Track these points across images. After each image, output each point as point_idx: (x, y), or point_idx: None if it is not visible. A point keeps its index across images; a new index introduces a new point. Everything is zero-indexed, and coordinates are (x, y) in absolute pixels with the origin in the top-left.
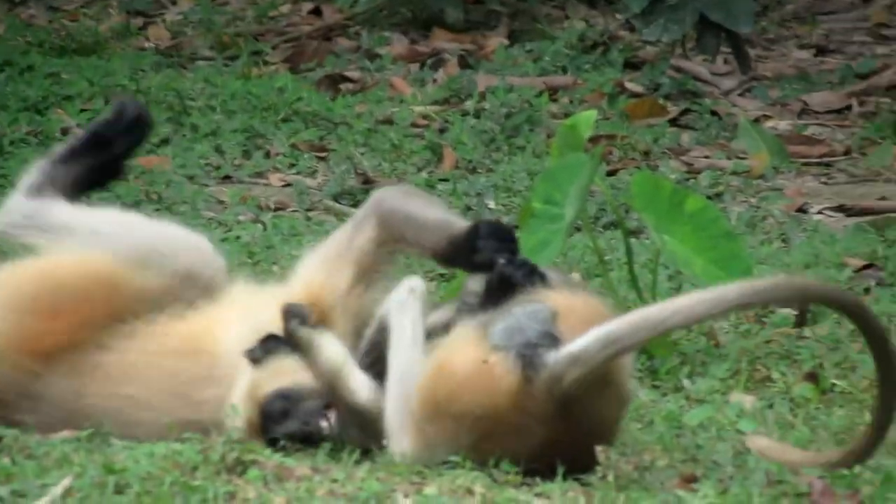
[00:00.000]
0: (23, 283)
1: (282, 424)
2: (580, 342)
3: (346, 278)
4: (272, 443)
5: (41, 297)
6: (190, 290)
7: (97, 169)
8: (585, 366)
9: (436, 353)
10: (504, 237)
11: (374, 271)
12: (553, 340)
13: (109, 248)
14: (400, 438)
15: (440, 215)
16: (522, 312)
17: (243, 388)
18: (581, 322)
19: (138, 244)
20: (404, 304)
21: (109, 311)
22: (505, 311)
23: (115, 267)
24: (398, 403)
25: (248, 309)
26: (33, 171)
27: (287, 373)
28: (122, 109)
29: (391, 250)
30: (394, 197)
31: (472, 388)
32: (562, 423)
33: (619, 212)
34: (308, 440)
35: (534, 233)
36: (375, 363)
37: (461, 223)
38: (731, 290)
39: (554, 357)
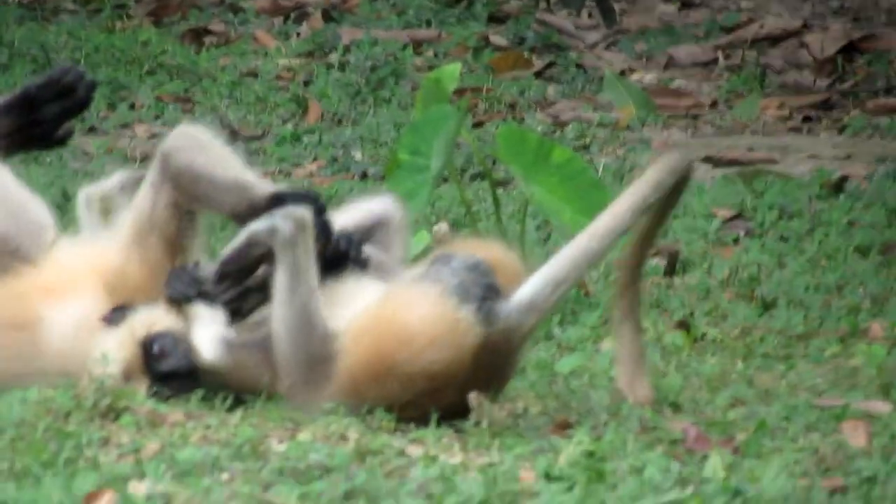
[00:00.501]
0: None
1: (165, 361)
2: (529, 289)
3: (158, 246)
4: (157, 378)
5: None
6: (6, 255)
7: (25, 130)
8: (540, 311)
9: (373, 311)
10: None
11: (182, 236)
12: (497, 292)
13: None
14: (309, 393)
15: (235, 175)
16: (463, 267)
17: (120, 334)
18: (502, 270)
19: None
20: (294, 239)
21: None
22: (440, 267)
23: None
24: (302, 354)
25: (70, 281)
26: None
27: (160, 320)
28: (57, 75)
29: (192, 210)
30: (183, 153)
31: (434, 346)
32: (494, 372)
33: (486, 163)
34: (191, 375)
35: (400, 184)
36: (236, 284)
37: (261, 187)
38: (636, 190)
39: (507, 308)
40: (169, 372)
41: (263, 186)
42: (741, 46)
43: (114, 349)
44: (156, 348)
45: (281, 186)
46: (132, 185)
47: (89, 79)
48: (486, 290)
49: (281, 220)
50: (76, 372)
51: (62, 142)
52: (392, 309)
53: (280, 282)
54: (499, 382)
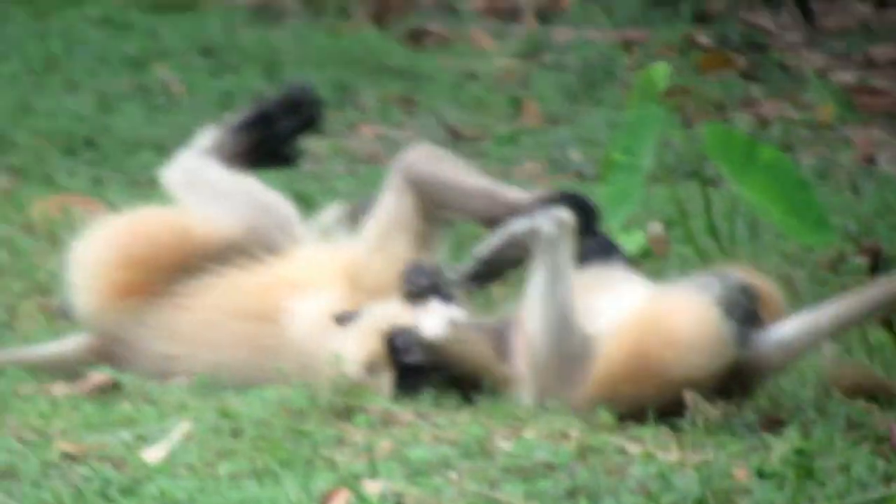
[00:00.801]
0: (111, 235)
1: (409, 355)
2: (788, 330)
3: (402, 246)
4: (403, 372)
5: (122, 248)
6: (256, 245)
7: (260, 147)
8: (791, 354)
9: (638, 312)
10: (584, 209)
11: (427, 234)
12: (758, 321)
13: (191, 201)
14: (563, 390)
15: (480, 181)
16: (735, 286)
17: (362, 328)
18: (767, 304)
19: (213, 197)
20: (555, 240)
21: (178, 259)
22: (713, 280)
23: (188, 218)
24: (559, 352)
25: (314, 276)
26: (206, 134)
27: (400, 315)
28: (289, 92)
29: (437, 215)
30: (424, 163)
31: (695, 352)
32: (729, 391)
33: (696, 162)
34: (431, 369)
35: (614, 184)
36: (488, 282)
37: (513, 191)
38: None
39: (763, 339)
40: (414, 366)
41: (515, 191)
42: None
43: (357, 343)
44: (399, 342)
45: (540, 191)
46: (350, 217)
47: (315, 94)
48: (749, 315)
49: (544, 221)
50: (314, 366)
51: (294, 161)
52: (659, 311)
53: (538, 281)
54: (728, 398)
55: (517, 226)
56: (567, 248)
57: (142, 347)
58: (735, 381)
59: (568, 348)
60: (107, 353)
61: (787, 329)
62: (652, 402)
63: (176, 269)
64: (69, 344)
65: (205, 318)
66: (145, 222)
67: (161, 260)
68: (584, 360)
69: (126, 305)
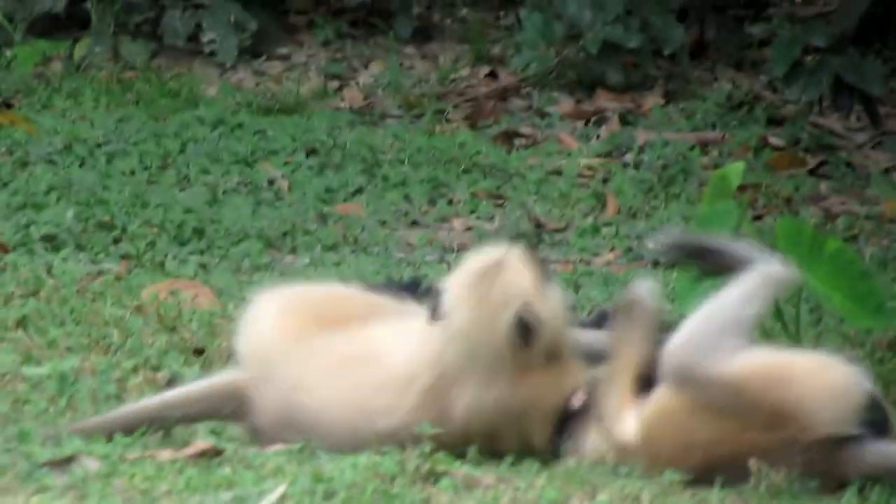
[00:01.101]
0: (302, 294)
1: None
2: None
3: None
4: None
5: (312, 304)
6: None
7: None
8: (888, 465)
9: (773, 360)
10: None
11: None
12: (883, 430)
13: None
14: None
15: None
16: (873, 394)
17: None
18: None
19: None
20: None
21: (334, 317)
22: (855, 363)
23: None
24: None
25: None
26: None
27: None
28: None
29: None
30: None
31: (818, 414)
32: (814, 467)
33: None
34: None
35: (689, 273)
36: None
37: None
38: None
39: (874, 445)
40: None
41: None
42: None
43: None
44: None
45: None
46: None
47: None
48: (877, 417)
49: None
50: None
51: None
52: (796, 368)
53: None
54: (799, 468)
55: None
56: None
57: (279, 386)
58: (826, 464)
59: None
60: (243, 392)
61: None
62: (756, 454)
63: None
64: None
65: (325, 362)
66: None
67: (345, 319)
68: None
69: (293, 348)
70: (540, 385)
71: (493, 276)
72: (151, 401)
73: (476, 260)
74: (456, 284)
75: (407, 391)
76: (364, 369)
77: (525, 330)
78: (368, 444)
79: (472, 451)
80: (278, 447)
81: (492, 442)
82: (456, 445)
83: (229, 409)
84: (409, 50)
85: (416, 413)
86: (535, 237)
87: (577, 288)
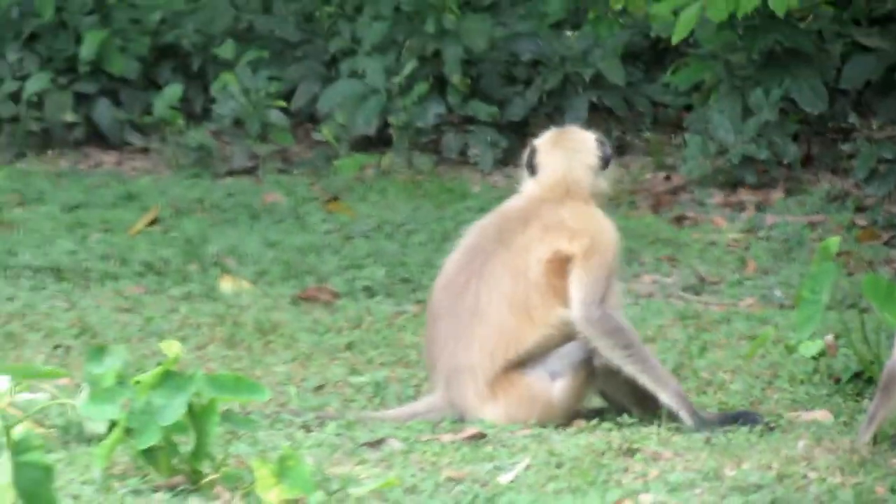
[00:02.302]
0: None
1: None
2: None
3: None
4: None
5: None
6: None
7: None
8: None
9: None
10: None
11: None
12: None
13: None
14: None
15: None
16: None
17: None
18: None
19: None
20: None
21: None
22: None
23: None
24: None
25: None
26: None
27: None
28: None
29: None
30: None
31: None
32: None
33: (855, 298)
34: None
35: (804, 311)
36: None
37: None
38: None
39: None
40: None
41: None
42: None
43: None
44: None
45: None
46: None
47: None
48: None
49: None
50: None
51: None
52: None
53: None
54: None
55: None
56: None
57: None
58: None
59: None
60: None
61: None
62: None
63: None
64: (421, 405)
65: None
66: None
67: None
68: None
69: None
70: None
71: (568, 134)
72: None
73: (554, 130)
74: (542, 143)
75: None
76: None
77: (604, 152)
78: None
79: (660, 430)
80: (525, 431)
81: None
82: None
83: None
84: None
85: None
86: (699, 287)
87: (728, 323)
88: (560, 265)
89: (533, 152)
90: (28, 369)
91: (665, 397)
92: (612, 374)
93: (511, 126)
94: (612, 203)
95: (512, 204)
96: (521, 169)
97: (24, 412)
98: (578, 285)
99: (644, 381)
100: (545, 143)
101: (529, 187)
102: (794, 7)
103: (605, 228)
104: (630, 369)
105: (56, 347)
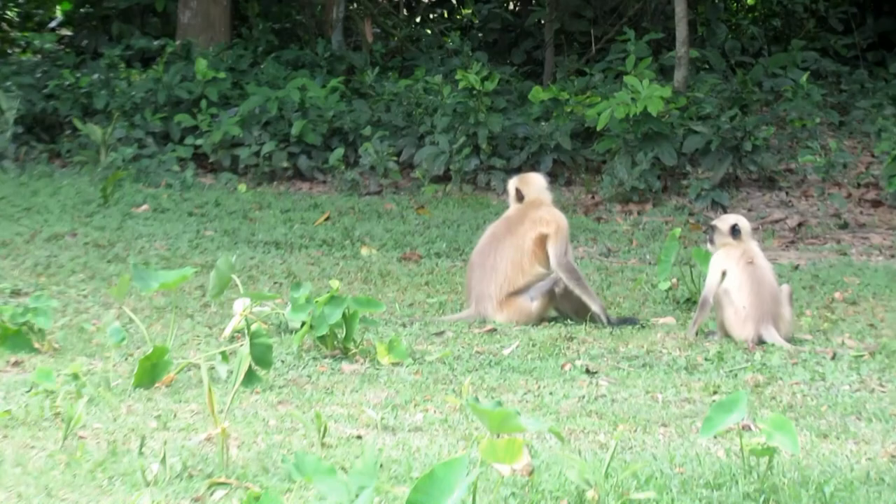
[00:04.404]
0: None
1: None
2: None
3: None
4: None
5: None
6: None
7: None
8: None
9: None
10: None
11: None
12: None
13: None
14: None
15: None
16: None
17: None
18: None
19: None
20: None
21: None
22: None
23: None
24: None
25: None
26: None
27: None
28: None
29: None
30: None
31: None
32: None
33: (688, 260)
34: None
35: (661, 266)
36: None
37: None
38: None
39: None
40: None
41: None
42: None
43: None
44: None
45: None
46: None
47: None
48: None
49: None
50: None
51: None
52: None
53: None
54: None
55: None
56: None
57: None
58: None
59: None
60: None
61: None
62: None
63: None
64: (463, 314)
65: None
66: None
67: None
68: None
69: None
70: None
71: (530, 176)
72: None
73: (519, 176)
74: (519, 182)
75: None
76: None
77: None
78: None
79: (586, 326)
80: (517, 328)
81: None
82: None
83: None
84: None
85: None
86: (607, 254)
87: (622, 273)
88: (541, 241)
89: (517, 188)
90: (259, 294)
91: (594, 307)
92: (564, 296)
93: (513, 170)
94: (563, 210)
95: (511, 212)
96: (510, 195)
97: (256, 317)
98: (553, 248)
99: (585, 298)
100: (521, 182)
101: (517, 203)
102: (660, 109)
103: (562, 218)
104: (578, 291)
105: (275, 283)
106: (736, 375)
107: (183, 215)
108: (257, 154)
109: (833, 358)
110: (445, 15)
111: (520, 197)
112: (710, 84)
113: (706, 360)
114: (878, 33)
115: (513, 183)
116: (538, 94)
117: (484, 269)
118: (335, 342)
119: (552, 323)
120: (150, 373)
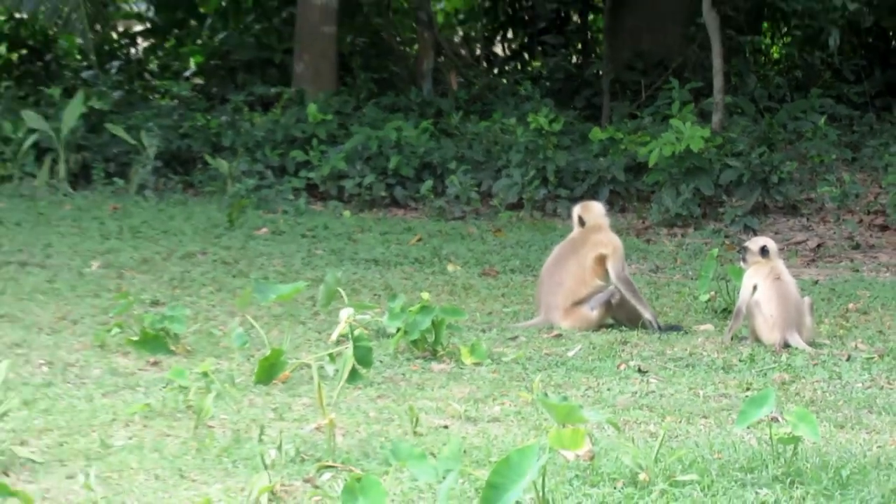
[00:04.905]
0: None
1: None
2: None
3: None
4: None
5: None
6: None
7: None
8: None
9: None
10: None
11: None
12: None
13: None
14: None
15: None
16: None
17: None
18: None
19: None
20: None
21: None
22: None
23: None
24: None
25: None
26: None
27: None
28: None
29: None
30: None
31: None
32: None
33: (724, 275)
34: None
35: (701, 281)
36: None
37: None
38: None
39: None
40: None
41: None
42: None
43: None
44: None
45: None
46: None
47: None
48: None
49: None
50: None
51: None
52: None
53: None
54: None
55: None
56: None
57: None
58: None
59: None
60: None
61: None
62: None
63: None
64: (534, 321)
65: None
66: None
67: None
68: None
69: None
70: None
71: (590, 205)
72: None
73: (581, 203)
74: (581, 209)
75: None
76: None
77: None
78: None
79: (638, 332)
80: (579, 333)
81: None
82: None
83: None
84: None
85: None
86: (655, 270)
87: (668, 286)
88: (600, 259)
89: (579, 214)
90: (361, 304)
91: (646, 315)
92: (620, 306)
93: (575, 199)
94: (618, 233)
95: (574, 234)
96: (574, 220)
97: (359, 324)
98: (612, 266)
99: (639, 307)
100: (582, 209)
101: (580, 227)
102: (700, 147)
103: (618, 240)
104: (633, 301)
105: (374, 295)
106: (765, 374)
107: (296, 237)
108: (360, 185)
109: (848, 360)
110: (518, 67)
111: (581, 222)
112: (742, 126)
113: (740, 361)
114: (885, 83)
115: (576, 210)
116: (597, 134)
117: (551, 283)
118: (425, 345)
119: (609, 329)
120: (269, 371)
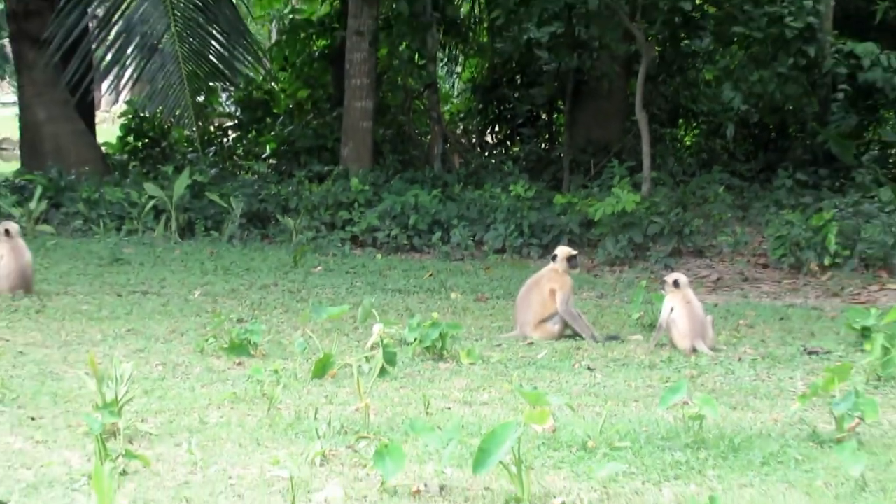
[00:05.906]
0: None
1: None
2: None
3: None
4: None
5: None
6: None
7: None
8: None
9: None
10: None
11: None
12: None
13: None
14: None
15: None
16: None
17: None
18: None
19: None
20: None
21: None
22: None
23: None
24: None
25: None
26: None
27: None
28: None
29: None
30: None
31: None
32: None
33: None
34: None
35: (634, 302)
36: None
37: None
38: None
39: None
40: None
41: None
42: None
43: None
44: None
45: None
46: None
47: None
48: None
49: None
50: None
51: None
52: None
53: None
54: None
55: None
56: None
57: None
58: None
59: None
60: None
61: None
62: None
63: None
64: (512, 334)
65: None
66: None
67: None
68: None
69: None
70: None
71: (560, 250)
72: None
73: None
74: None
75: None
76: None
77: (574, 259)
78: None
79: (585, 342)
80: (545, 342)
81: None
82: None
83: None
84: None
85: None
86: (601, 297)
87: (612, 305)
88: (552, 293)
89: (555, 254)
90: (388, 321)
91: (585, 335)
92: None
93: (544, 246)
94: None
95: (541, 273)
96: (553, 259)
97: (387, 335)
98: (560, 299)
99: (578, 330)
100: (560, 252)
101: (548, 267)
102: (633, 208)
103: (569, 282)
104: (574, 327)
105: (398, 314)
106: (679, 371)
107: (342, 273)
108: (388, 235)
109: (739, 360)
110: (503, 151)
111: (553, 258)
112: (664, 193)
113: (661, 361)
114: (767, 162)
115: (561, 252)
116: (559, 199)
117: (524, 305)
118: (435, 350)
119: (567, 339)
120: (322, 369)
